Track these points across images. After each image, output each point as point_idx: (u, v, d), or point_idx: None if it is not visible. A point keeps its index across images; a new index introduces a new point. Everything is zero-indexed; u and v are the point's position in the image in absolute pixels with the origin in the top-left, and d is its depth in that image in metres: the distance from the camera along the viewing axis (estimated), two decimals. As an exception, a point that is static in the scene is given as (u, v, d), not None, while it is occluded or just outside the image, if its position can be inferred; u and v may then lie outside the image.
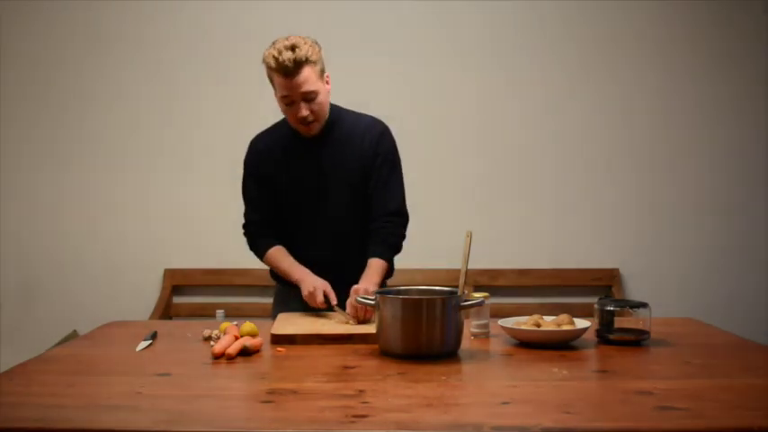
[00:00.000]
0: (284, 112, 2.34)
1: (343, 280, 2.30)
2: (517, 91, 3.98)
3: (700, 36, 3.96)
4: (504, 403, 1.48)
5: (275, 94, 2.32)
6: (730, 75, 3.96)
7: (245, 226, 2.53)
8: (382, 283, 2.41)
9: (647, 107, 3.98)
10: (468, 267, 2.01)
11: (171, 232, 4.00)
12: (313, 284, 2.30)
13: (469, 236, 2.00)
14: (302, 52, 2.21)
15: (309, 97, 2.27)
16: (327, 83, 2.35)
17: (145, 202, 4.00)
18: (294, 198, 2.44)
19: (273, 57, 2.22)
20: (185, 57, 3.97)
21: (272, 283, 2.60)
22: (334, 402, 1.49)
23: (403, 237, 2.46)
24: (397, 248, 2.45)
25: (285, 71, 2.21)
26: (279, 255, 2.44)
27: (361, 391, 1.57)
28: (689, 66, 3.96)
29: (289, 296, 2.46)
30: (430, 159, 3.91)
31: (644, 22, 3.95)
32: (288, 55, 2.20)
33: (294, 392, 1.57)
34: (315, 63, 2.26)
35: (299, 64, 2.21)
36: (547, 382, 1.64)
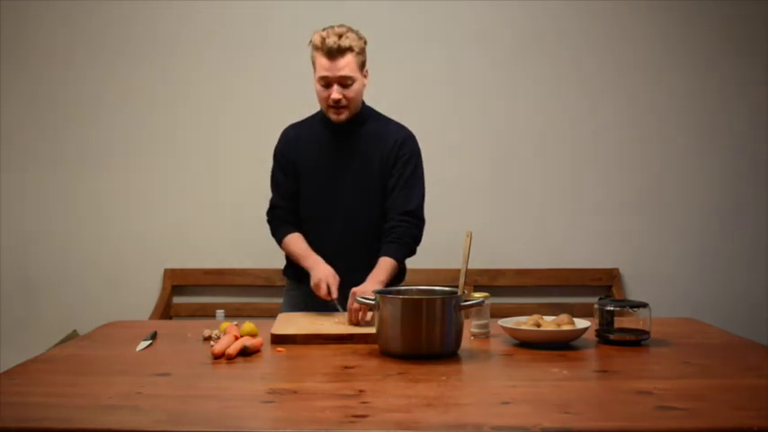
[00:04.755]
0: (319, 93, 2.40)
1: (354, 276, 2.31)
2: (518, 91, 3.98)
3: (701, 36, 3.96)
4: (504, 403, 1.48)
5: (314, 76, 2.38)
6: (730, 76, 3.96)
7: (268, 212, 2.56)
8: (394, 286, 2.40)
9: (647, 107, 3.97)
10: (468, 267, 2.02)
11: (171, 232, 4.00)
12: (319, 276, 2.31)
13: (469, 236, 2.00)
14: (348, 40, 2.32)
15: (346, 83, 2.34)
16: (365, 76, 2.42)
17: (145, 203, 4.00)
18: (315, 187, 2.47)
19: (321, 37, 2.32)
20: (188, 59, 3.96)
21: (273, 282, 2.61)
22: (334, 402, 1.49)
23: (417, 239, 2.46)
24: (411, 250, 2.45)
25: (329, 52, 2.30)
26: (296, 240, 2.47)
27: (361, 391, 1.57)
28: (689, 67, 3.96)
29: (298, 298, 2.48)
30: (430, 159, 3.88)
31: (644, 22, 3.95)
32: (334, 39, 2.30)
33: (294, 392, 1.57)
34: (358, 54, 2.36)
35: (342, 49, 2.31)
36: (547, 382, 1.64)
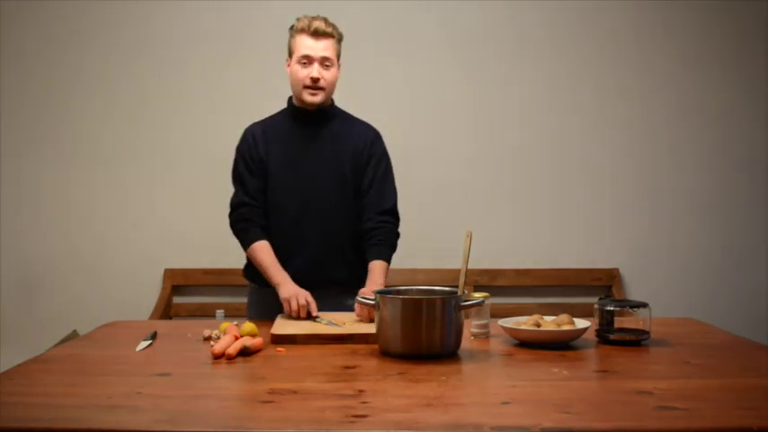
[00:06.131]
0: (296, 73, 2.42)
1: (325, 273, 2.37)
2: (517, 91, 3.98)
3: (700, 36, 3.96)
4: (504, 403, 1.48)
5: (290, 61, 2.44)
6: (730, 75, 3.96)
7: (231, 212, 2.50)
8: None
9: (646, 107, 3.98)
10: (468, 267, 2.02)
11: (171, 232, 4.00)
12: (291, 291, 2.28)
13: (469, 236, 2.00)
14: (331, 28, 2.42)
15: (326, 64, 2.41)
16: (339, 68, 2.48)
17: (145, 203, 4.00)
18: (283, 186, 2.46)
19: (307, 19, 2.41)
20: (186, 57, 3.97)
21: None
22: (334, 402, 1.49)
23: (398, 237, 2.52)
24: (395, 248, 2.49)
25: (315, 32, 2.39)
26: (264, 250, 2.42)
27: (361, 391, 1.57)
28: (688, 67, 3.96)
29: (264, 296, 2.45)
30: (430, 159, 3.91)
31: (644, 22, 3.95)
32: (320, 23, 2.41)
33: (294, 392, 1.57)
34: (338, 42, 2.45)
35: (327, 33, 2.41)
36: (547, 382, 1.64)
